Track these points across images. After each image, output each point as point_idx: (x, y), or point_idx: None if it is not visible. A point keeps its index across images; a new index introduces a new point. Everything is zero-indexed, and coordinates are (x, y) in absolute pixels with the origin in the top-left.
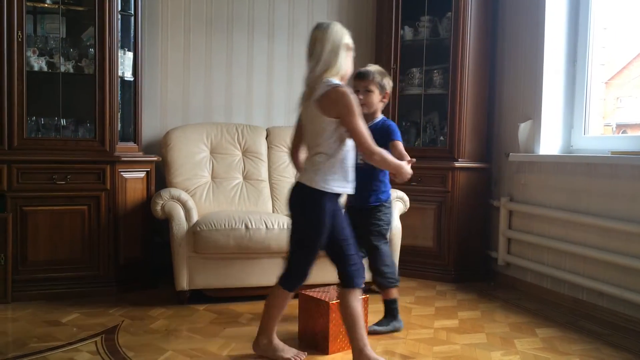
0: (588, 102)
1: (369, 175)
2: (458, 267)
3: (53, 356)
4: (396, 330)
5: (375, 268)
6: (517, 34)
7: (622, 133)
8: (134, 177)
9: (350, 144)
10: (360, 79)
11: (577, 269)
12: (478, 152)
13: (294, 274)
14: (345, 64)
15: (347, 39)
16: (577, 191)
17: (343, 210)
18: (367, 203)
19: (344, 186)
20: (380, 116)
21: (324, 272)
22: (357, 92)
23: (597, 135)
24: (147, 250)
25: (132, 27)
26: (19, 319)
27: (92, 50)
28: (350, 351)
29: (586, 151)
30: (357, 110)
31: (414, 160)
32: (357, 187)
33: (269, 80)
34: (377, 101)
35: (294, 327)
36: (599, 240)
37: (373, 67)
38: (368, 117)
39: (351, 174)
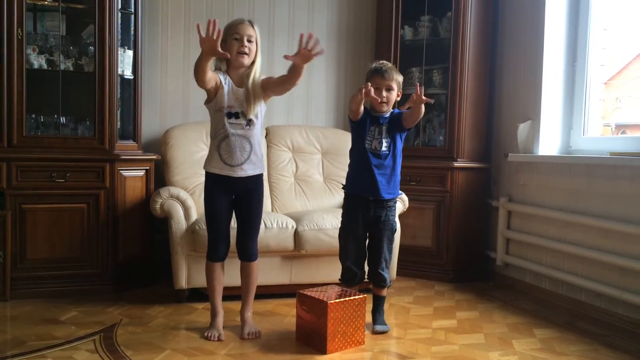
0: (587, 102)
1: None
2: (457, 267)
3: (51, 354)
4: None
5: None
6: (517, 35)
7: (622, 133)
8: (134, 176)
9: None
10: (382, 77)
11: (575, 270)
12: (477, 152)
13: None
14: None
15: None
16: (576, 192)
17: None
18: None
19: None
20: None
21: (322, 271)
22: (377, 89)
23: (596, 136)
24: (146, 248)
25: (132, 25)
26: (17, 317)
27: (92, 48)
28: (348, 351)
29: (585, 152)
30: None
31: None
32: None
33: None
34: (394, 98)
35: (291, 327)
36: (597, 241)
37: (389, 64)
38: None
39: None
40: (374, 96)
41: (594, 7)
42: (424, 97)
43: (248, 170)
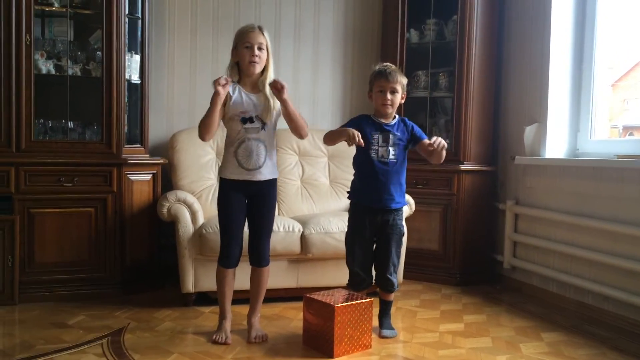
0: (594, 104)
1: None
2: (464, 270)
3: (60, 358)
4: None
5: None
6: (523, 37)
7: (629, 135)
8: (141, 180)
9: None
10: (386, 80)
11: (583, 273)
12: (484, 155)
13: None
14: None
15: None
16: (583, 195)
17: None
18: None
19: None
20: (396, 116)
21: (328, 275)
22: (380, 92)
23: (603, 139)
24: (153, 252)
25: (139, 30)
26: (25, 320)
27: (99, 53)
28: (355, 355)
29: (592, 155)
30: None
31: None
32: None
33: None
34: (399, 101)
35: (298, 330)
36: (605, 244)
37: (393, 67)
38: (387, 117)
39: None
40: (361, 143)
41: (600, 9)
42: (436, 146)
43: (266, 174)
